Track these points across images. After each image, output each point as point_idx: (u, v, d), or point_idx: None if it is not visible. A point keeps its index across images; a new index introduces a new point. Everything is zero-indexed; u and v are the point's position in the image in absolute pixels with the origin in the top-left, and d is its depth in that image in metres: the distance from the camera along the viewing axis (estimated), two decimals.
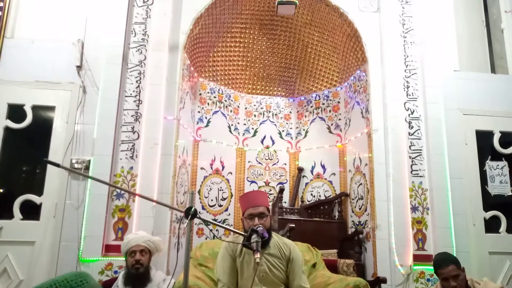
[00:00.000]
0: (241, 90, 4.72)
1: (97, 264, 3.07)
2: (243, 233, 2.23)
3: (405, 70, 3.84)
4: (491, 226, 3.78)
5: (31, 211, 3.36)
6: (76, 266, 3.10)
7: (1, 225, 3.27)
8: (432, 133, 3.70)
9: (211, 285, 2.37)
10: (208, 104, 4.46)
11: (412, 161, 3.64)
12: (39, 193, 3.39)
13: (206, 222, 3.80)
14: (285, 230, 3.44)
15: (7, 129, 3.52)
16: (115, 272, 3.01)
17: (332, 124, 4.55)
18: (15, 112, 3.54)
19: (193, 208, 1.67)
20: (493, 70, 4.46)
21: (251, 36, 4.46)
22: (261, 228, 2.17)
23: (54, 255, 3.21)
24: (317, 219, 4.15)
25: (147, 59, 3.56)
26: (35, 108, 3.57)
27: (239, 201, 2.59)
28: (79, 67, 3.64)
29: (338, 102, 4.54)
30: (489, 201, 3.84)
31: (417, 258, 3.41)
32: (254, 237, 2.08)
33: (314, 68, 4.59)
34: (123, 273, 2.52)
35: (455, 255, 2.86)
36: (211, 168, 4.38)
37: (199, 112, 4.38)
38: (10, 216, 3.33)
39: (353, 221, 4.06)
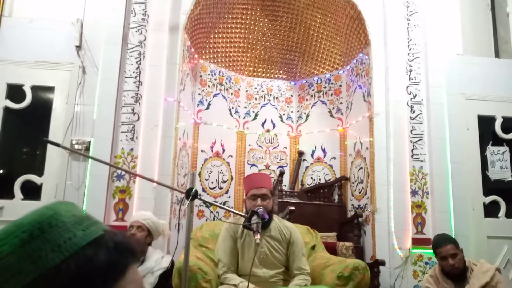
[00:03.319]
0: (242, 73, 4.67)
1: None
2: (244, 214, 2.24)
3: (408, 54, 3.80)
4: (491, 211, 3.80)
5: (32, 192, 3.36)
6: None
7: (2, 205, 3.28)
8: (433, 117, 3.69)
9: (212, 265, 2.39)
10: (208, 86, 4.43)
11: (413, 145, 3.63)
12: (40, 173, 3.39)
13: (206, 204, 3.82)
14: (284, 212, 3.45)
15: (6, 110, 3.49)
16: None
17: (333, 108, 4.52)
18: (15, 92, 3.51)
19: (194, 189, 1.67)
20: (497, 55, 4.41)
21: (252, 18, 4.39)
22: (261, 209, 2.18)
23: None
24: (317, 202, 4.16)
25: (147, 39, 3.51)
26: (34, 88, 3.54)
27: (243, 182, 2.60)
28: (78, 47, 3.60)
29: (340, 85, 4.50)
30: (489, 186, 3.84)
31: (416, 242, 3.44)
32: (254, 219, 2.09)
33: (316, 51, 4.54)
34: None
35: None
36: (212, 151, 4.37)
37: (199, 94, 4.35)
38: (11, 196, 3.33)
39: (352, 204, 4.08)
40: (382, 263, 3.24)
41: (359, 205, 3.95)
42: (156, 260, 2.49)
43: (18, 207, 3.31)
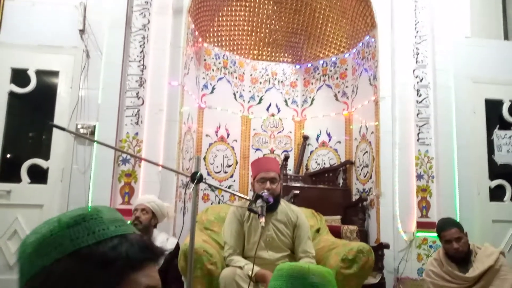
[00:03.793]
0: (246, 56, 4.63)
1: None
2: (248, 198, 2.25)
3: (415, 36, 3.74)
4: (496, 194, 3.78)
5: (39, 175, 3.39)
6: None
7: (10, 188, 3.32)
8: (440, 101, 3.65)
9: (217, 248, 2.41)
10: (213, 70, 4.40)
11: (419, 129, 3.61)
12: (46, 157, 3.42)
13: (212, 187, 3.84)
14: (289, 196, 3.46)
15: (11, 94, 3.50)
16: None
17: (339, 92, 4.49)
18: (19, 76, 3.51)
19: (199, 173, 1.68)
20: (506, 37, 4.32)
21: (257, 0, 4.33)
22: (265, 193, 2.19)
23: None
24: (322, 186, 4.17)
25: (150, 23, 3.48)
26: (38, 72, 3.54)
27: (250, 166, 2.61)
28: (82, 31, 3.57)
29: (346, 69, 4.46)
30: (495, 170, 3.82)
31: (421, 225, 3.45)
32: (259, 202, 2.11)
33: (321, 34, 4.48)
34: None
35: None
36: (216, 135, 4.37)
37: (203, 78, 4.32)
38: (18, 180, 3.36)
39: (357, 188, 4.09)
40: (387, 246, 3.26)
41: (363, 189, 3.96)
42: (162, 242, 2.52)
43: (25, 190, 3.34)
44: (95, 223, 0.59)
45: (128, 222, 2.64)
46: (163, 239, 2.56)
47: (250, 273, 2.03)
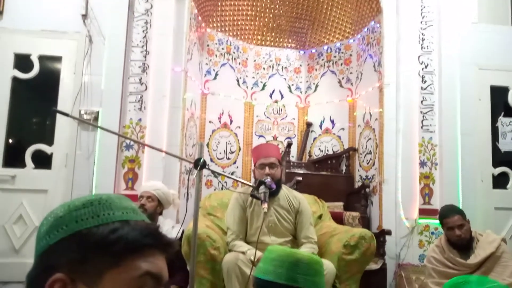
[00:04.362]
0: (250, 42, 4.59)
1: None
2: (251, 184, 2.26)
3: (421, 22, 3.69)
4: (499, 182, 3.78)
5: (43, 161, 3.41)
6: None
7: (14, 173, 3.35)
8: (445, 88, 3.62)
9: (220, 233, 2.43)
10: (216, 56, 4.37)
11: (423, 116, 3.59)
12: (50, 143, 3.43)
13: (215, 173, 3.84)
14: (292, 183, 3.47)
15: (15, 80, 3.49)
16: None
17: (343, 78, 4.45)
18: (22, 62, 3.50)
19: (202, 159, 1.68)
20: None
21: None
22: (268, 180, 2.20)
23: None
24: (324, 173, 4.18)
25: (153, 7, 3.45)
26: (41, 58, 3.53)
27: (251, 153, 2.62)
28: (84, 16, 3.54)
29: (350, 55, 4.41)
30: (499, 157, 3.81)
31: (423, 212, 3.46)
32: (262, 188, 2.12)
33: (326, 19, 4.43)
34: None
35: None
36: (219, 122, 4.36)
37: (206, 64, 4.30)
38: (22, 165, 3.39)
39: (360, 175, 4.09)
40: (388, 232, 3.28)
41: (366, 176, 3.96)
42: (167, 230, 2.53)
43: (30, 175, 3.37)
44: (101, 208, 0.61)
45: None
46: (169, 227, 2.57)
47: (252, 258, 2.05)
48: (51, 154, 3.42)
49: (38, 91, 3.64)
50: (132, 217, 0.63)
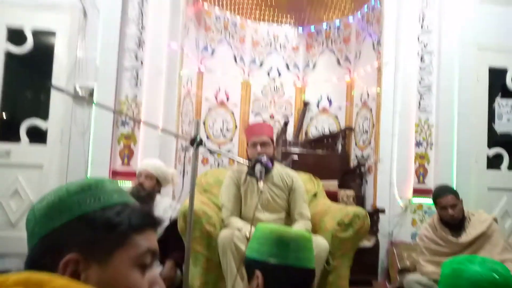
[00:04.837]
0: (248, 17, 4.51)
1: None
2: (247, 163, 2.27)
3: (422, 0, 3.63)
4: (493, 163, 3.80)
5: (38, 136, 3.39)
6: None
7: (9, 148, 3.33)
8: (444, 68, 3.60)
9: (216, 209, 2.45)
10: (213, 32, 4.30)
11: (420, 96, 3.58)
12: (45, 118, 3.40)
13: (211, 151, 3.84)
14: (287, 162, 3.49)
15: (8, 54, 3.43)
16: None
17: (341, 57, 4.41)
18: (15, 36, 3.43)
19: (198, 137, 1.67)
20: None
21: None
22: (264, 158, 2.20)
23: (63, 178, 3.29)
24: (320, 152, 4.19)
25: None
26: (35, 33, 3.45)
27: (244, 132, 2.61)
28: None
29: (349, 33, 4.36)
30: (494, 138, 3.82)
31: (417, 192, 3.50)
32: (258, 167, 2.13)
33: None
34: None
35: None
36: (216, 99, 4.34)
37: (203, 40, 4.24)
38: (17, 139, 3.37)
39: (356, 154, 4.11)
40: (382, 211, 3.32)
41: (362, 155, 3.98)
42: (164, 208, 2.53)
43: (25, 150, 3.35)
44: (99, 191, 0.67)
45: (131, 185, 2.67)
46: (166, 205, 2.56)
47: (247, 235, 2.07)
48: (46, 129, 3.39)
49: (32, 66, 3.58)
50: (127, 200, 0.69)
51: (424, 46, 3.61)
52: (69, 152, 3.34)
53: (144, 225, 0.67)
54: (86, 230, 0.62)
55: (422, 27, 3.62)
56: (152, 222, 0.69)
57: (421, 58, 3.61)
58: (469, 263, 1.06)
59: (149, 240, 0.67)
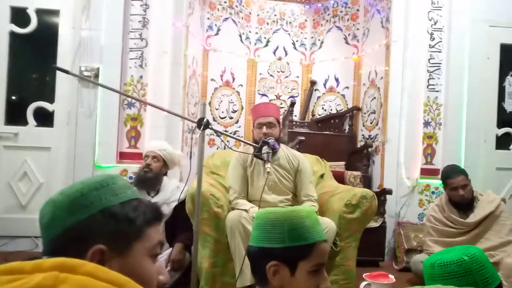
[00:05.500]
0: None
1: (113, 170, 3.19)
2: (254, 144, 2.26)
3: None
4: (502, 142, 3.76)
5: (45, 118, 3.39)
6: (92, 171, 3.22)
7: (17, 131, 3.34)
8: (454, 45, 3.52)
9: (223, 191, 2.46)
10: (218, 9, 4.22)
11: (429, 75, 3.52)
12: (51, 100, 3.39)
13: (218, 133, 3.84)
14: (294, 142, 3.47)
15: (12, 34, 3.39)
16: (130, 177, 3.13)
17: (349, 34, 4.33)
18: (19, 16, 3.39)
19: (205, 119, 1.66)
20: None
21: None
22: (272, 140, 2.19)
23: (71, 160, 3.31)
24: (327, 132, 4.16)
25: None
26: (39, 12, 3.41)
27: (250, 112, 2.59)
28: None
29: (357, 10, 4.26)
30: (504, 117, 3.76)
31: (424, 172, 3.48)
32: (265, 148, 2.12)
33: None
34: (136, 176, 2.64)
35: None
36: (222, 79, 4.30)
37: (208, 19, 4.17)
38: (24, 122, 3.37)
39: (363, 135, 4.08)
40: (389, 192, 3.32)
41: (369, 136, 3.95)
42: (172, 190, 2.54)
43: (32, 133, 3.36)
44: (116, 187, 0.73)
45: (138, 167, 2.68)
46: (173, 187, 2.58)
47: (255, 216, 2.08)
48: (53, 111, 3.39)
49: (36, 47, 3.55)
50: (137, 195, 0.76)
51: (434, 23, 3.53)
52: (76, 135, 3.34)
53: (156, 219, 0.75)
54: (109, 223, 0.68)
55: (432, 3, 3.52)
56: (161, 216, 0.77)
57: (431, 36, 3.53)
58: (446, 252, 1.10)
59: (159, 233, 0.75)
